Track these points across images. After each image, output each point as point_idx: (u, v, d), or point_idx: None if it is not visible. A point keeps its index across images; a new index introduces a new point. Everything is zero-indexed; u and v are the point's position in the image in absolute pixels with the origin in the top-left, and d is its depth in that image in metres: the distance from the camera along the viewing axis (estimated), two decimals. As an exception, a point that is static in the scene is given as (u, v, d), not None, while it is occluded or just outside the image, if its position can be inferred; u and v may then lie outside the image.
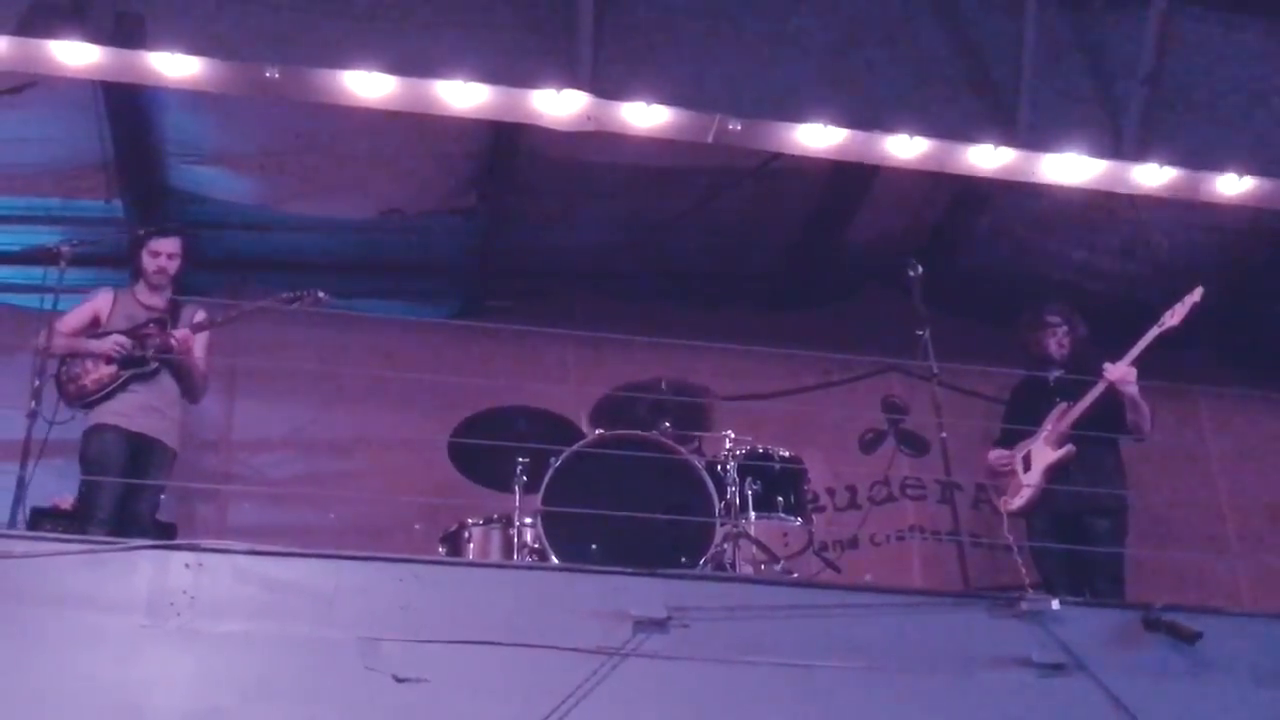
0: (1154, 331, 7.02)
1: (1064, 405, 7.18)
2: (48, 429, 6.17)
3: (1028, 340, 7.48)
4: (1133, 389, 7.04)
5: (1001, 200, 8.66)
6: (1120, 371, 7.00)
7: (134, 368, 6.69)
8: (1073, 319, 7.42)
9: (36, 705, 4.84)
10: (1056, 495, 7.04)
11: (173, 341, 6.75)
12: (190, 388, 6.92)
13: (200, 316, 7.01)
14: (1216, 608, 6.72)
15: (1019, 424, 7.39)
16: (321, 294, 6.88)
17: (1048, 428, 7.18)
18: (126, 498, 6.49)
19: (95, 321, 6.80)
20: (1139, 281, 8.80)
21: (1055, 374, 7.34)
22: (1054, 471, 7.08)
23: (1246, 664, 5.88)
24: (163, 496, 6.94)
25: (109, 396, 6.63)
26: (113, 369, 6.66)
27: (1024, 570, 6.39)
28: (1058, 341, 7.37)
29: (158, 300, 6.92)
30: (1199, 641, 5.78)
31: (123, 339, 6.70)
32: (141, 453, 6.65)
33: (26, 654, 4.92)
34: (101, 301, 6.87)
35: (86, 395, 6.63)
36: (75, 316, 6.77)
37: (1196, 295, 6.99)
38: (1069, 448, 7.06)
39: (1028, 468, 7.24)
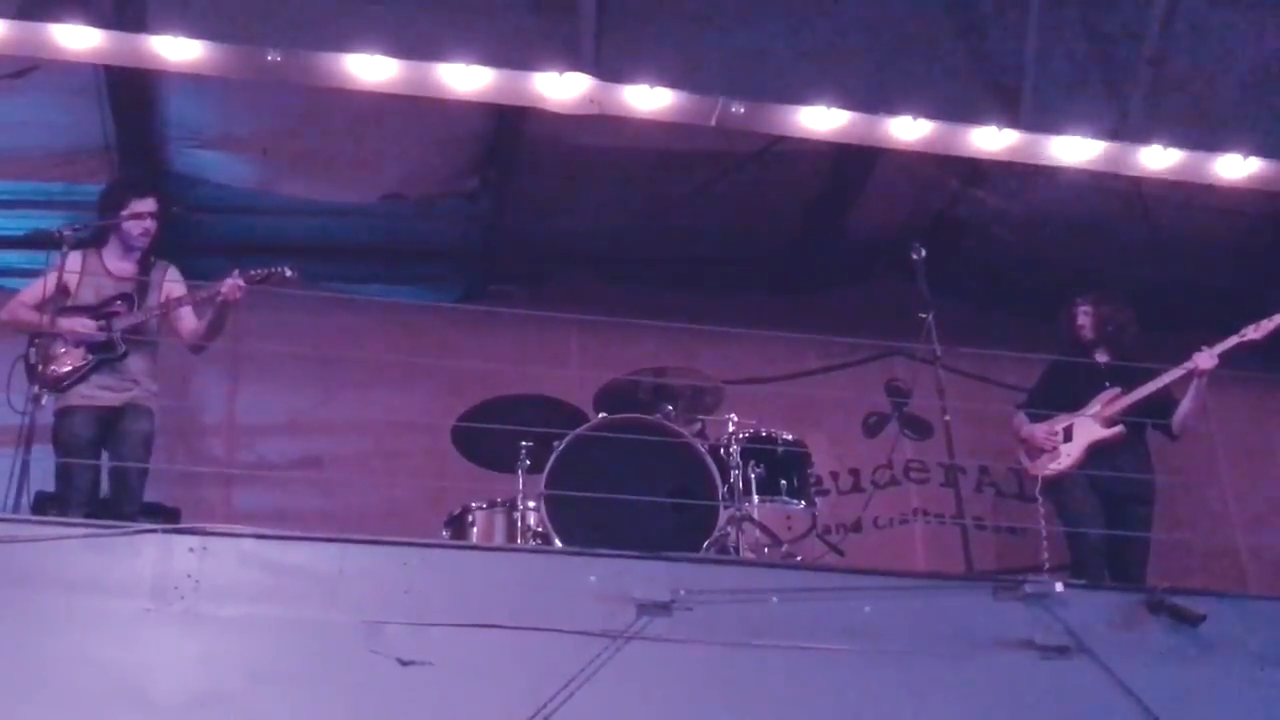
0: (1234, 340, 7.08)
1: (1115, 390, 7.21)
2: (29, 416, 6.01)
3: (1062, 325, 7.58)
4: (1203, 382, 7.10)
5: (1006, 184, 8.63)
6: (1209, 358, 7.04)
7: (102, 354, 6.53)
8: (1102, 303, 7.49)
9: (41, 689, 4.85)
10: (1106, 476, 7.08)
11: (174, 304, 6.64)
12: (192, 343, 6.82)
13: (172, 273, 6.82)
14: (1220, 590, 6.72)
15: (1055, 399, 7.42)
16: (289, 271, 6.75)
17: (1096, 407, 7.20)
18: (110, 473, 6.41)
19: (65, 293, 6.52)
20: (1145, 265, 8.77)
21: (1105, 358, 7.41)
22: (1095, 449, 7.11)
23: (1250, 647, 5.89)
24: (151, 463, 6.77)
25: (80, 380, 6.50)
26: (80, 352, 6.50)
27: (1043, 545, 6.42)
28: (1089, 323, 7.46)
29: (128, 266, 6.74)
30: (1203, 624, 5.79)
31: (89, 326, 6.52)
32: (113, 423, 6.51)
33: (31, 638, 4.93)
34: (68, 277, 6.55)
35: (59, 382, 6.45)
36: (40, 288, 6.53)
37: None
38: (1119, 429, 7.10)
39: (1068, 439, 7.26)
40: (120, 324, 6.58)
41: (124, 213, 6.73)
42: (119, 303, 6.66)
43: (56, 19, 6.28)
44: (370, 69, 6.56)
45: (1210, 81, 7.33)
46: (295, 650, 5.10)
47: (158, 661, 4.99)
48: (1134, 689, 5.56)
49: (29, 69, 7.08)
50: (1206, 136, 7.30)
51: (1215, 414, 9.18)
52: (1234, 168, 7.39)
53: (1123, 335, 7.46)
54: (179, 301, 6.75)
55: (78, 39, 6.36)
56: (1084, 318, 7.49)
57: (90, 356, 6.53)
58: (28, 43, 6.40)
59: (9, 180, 8.09)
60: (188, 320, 6.79)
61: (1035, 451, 7.38)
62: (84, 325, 6.54)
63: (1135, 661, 5.66)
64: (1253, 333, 7.05)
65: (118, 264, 6.78)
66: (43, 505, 6.39)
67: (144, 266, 6.82)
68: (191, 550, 5.21)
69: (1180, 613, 5.80)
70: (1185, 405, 7.16)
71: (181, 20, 6.34)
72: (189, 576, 5.14)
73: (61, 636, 4.96)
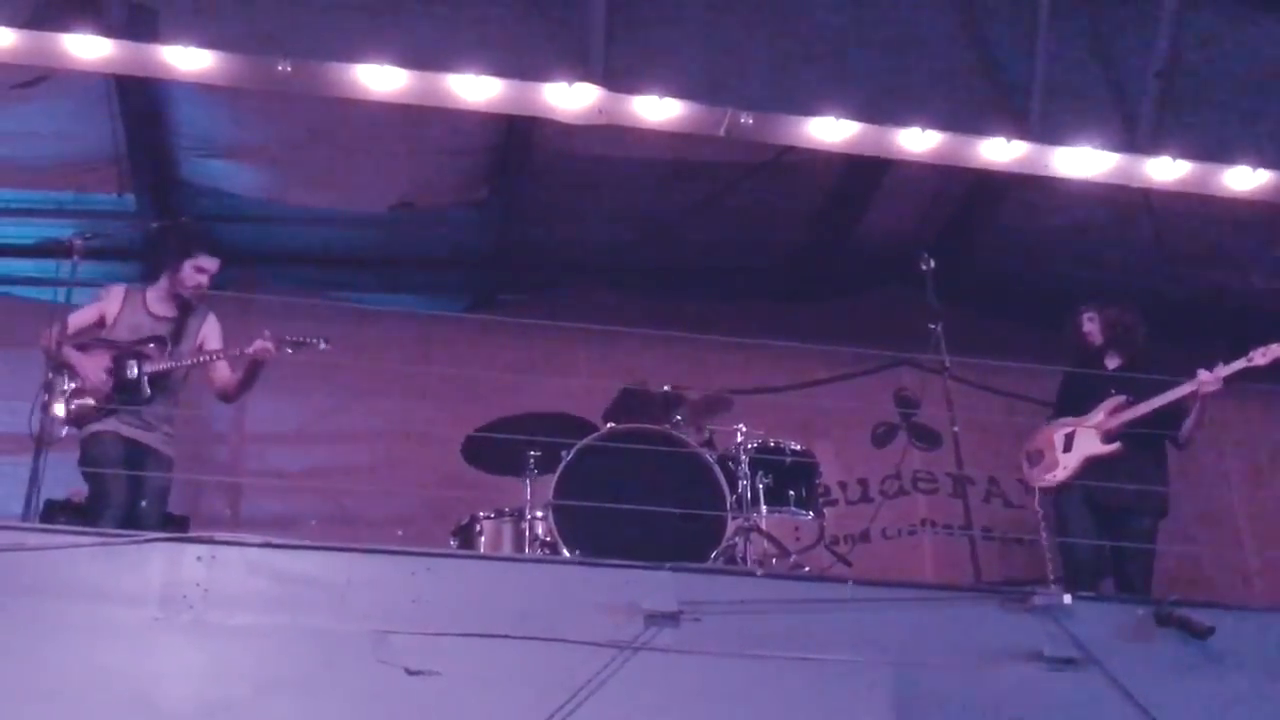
0: (1239, 364, 6.97)
1: (1120, 399, 7.17)
2: (36, 442, 6.07)
3: (1070, 335, 7.55)
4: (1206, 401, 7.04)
5: (1014, 194, 8.64)
6: (1213, 381, 6.97)
7: (128, 394, 6.54)
8: (1106, 308, 7.44)
9: (49, 697, 4.86)
10: (1099, 488, 7.03)
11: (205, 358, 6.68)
12: (221, 394, 6.90)
13: (211, 322, 6.87)
14: (1228, 603, 6.71)
15: (1070, 408, 7.39)
16: (324, 344, 6.68)
17: (1099, 415, 7.19)
18: (133, 503, 6.43)
19: (101, 323, 6.68)
20: (1154, 275, 8.77)
21: (1115, 364, 7.38)
22: (1093, 463, 7.09)
23: (1258, 659, 5.88)
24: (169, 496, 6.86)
25: (99, 418, 6.52)
26: (106, 391, 6.50)
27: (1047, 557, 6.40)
28: (1095, 329, 7.42)
29: (169, 310, 6.79)
30: (1211, 636, 5.77)
31: (100, 369, 6.53)
32: (137, 459, 6.54)
33: (40, 646, 4.94)
34: (110, 303, 6.72)
35: (78, 419, 6.47)
36: (82, 315, 6.65)
37: None
38: (1117, 445, 7.08)
39: (1068, 448, 7.24)
40: (149, 367, 6.60)
41: (189, 261, 6.75)
42: (152, 345, 6.67)
43: (68, 29, 6.31)
44: (380, 79, 6.58)
45: (1219, 93, 7.32)
46: (303, 659, 5.11)
47: (166, 670, 4.99)
48: (1142, 701, 5.54)
49: (40, 78, 7.10)
50: (1215, 148, 7.30)
51: (1225, 427, 9.20)
52: (1243, 179, 7.38)
53: (1131, 337, 7.42)
54: (212, 355, 6.77)
55: (89, 49, 6.38)
56: (1089, 324, 7.46)
57: (115, 396, 6.54)
58: (39, 52, 6.42)
59: (19, 189, 8.14)
60: (223, 371, 6.84)
61: (1037, 458, 7.36)
62: (96, 369, 6.53)
63: (1143, 674, 5.64)
64: (1260, 358, 6.98)
65: (160, 305, 6.80)
66: (53, 514, 6.40)
67: (184, 312, 6.82)
68: (200, 559, 5.21)
69: (1188, 625, 5.78)
70: (1189, 422, 7.13)
71: (192, 30, 6.36)
72: (197, 585, 5.14)
73: (70, 645, 4.96)
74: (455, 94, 6.71)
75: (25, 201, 8.19)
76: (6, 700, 4.82)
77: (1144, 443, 7.09)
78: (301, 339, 6.67)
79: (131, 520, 6.30)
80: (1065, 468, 7.18)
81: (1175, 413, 7.12)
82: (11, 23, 6.27)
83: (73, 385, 6.45)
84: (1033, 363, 7.77)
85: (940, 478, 8.92)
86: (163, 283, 6.81)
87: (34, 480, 5.64)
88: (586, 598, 5.41)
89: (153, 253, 6.98)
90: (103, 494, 6.37)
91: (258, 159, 8.16)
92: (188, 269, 6.75)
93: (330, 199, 8.47)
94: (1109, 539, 6.95)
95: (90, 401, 6.49)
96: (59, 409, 6.30)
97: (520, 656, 5.20)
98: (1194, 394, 7.00)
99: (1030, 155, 7.22)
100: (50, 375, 6.06)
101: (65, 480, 6.61)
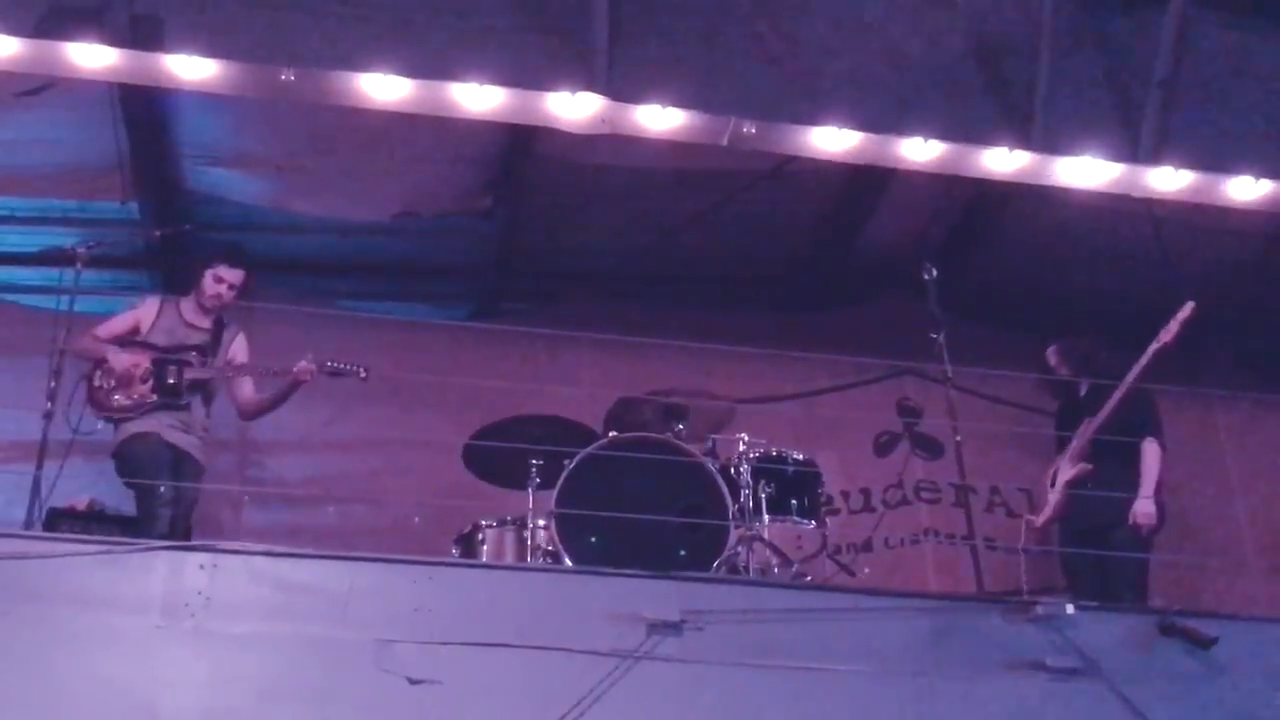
0: (1151, 349, 7.08)
1: (1087, 420, 7.30)
2: (72, 433, 6.20)
3: (1048, 371, 7.74)
4: (1150, 466, 7.14)
5: (1017, 204, 8.64)
6: (1149, 456, 7.13)
7: (169, 396, 6.63)
8: (1064, 340, 7.65)
9: (52, 704, 4.87)
10: (1074, 511, 7.22)
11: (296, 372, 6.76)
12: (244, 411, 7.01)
13: (240, 340, 6.97)
14: (1231, 613, 6.71)
15: (1062, 447, 7.56)
16: (364, 373, 6.84)
17: (1075, 443, 7.32)
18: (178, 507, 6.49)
19: (135, 330, 6.77)
20: (1157, 286, 8.76)
21: (1085, 390, 7.51)
22: (1072, 487, 7.23)
23: (1261, 669, 5.87)
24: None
25: (139, 417, 6.58)
26: (147, 389, 6.59)
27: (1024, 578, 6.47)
28: (1058, 361, 7.62)
29: (203, 320, 6.88)
30: (1214, 647, 5.77)
31: (140, 361, 6.63)
32: (177, 464, 6.61)
33: (42, 654, 4.94)
34: (145, 311, 6.83)
35: (117, 413, 6.56)
36: (116, 324, 6.76)
37: (1187, 310, 7.04)
38: (1083, 465, 7.21)
39: (1054, 484, 7.41)
40: (190, 374, 6.67)
41: (209, 271, 6.83)
42: (194, 354, 6.75)
43: (72, 38, 6.32)
44: (384, 88, 6.59)
45: (1221, 103, 7.33)
46: (305, 667, 5.11)
47: (168, 678, 4.99)
48: (1144, 711, 5.54)
49: (44, 87, 7.11)
50: (1218, 158, 7.30)
51: (1228, 435, 9.20)
52: (1245, 189, 7.38)
53: (1094, 362, 7.54)
54: (240, 369, 6.87)
55: (93, 57, 6.39)
56: (1054, 358, 7.64)
57: (154, 397, 6.59)
58: (43, 61, 6.44)
59: (23, 197, 8.13)
60: (246, 388, 6.93)
61: (1042, 505, 7.55)
62: (129, 363, 6.60)
63: (1146, 684, 5.64)
64: (1165, 336, 7.06)
65: (195, 315, 6.90)
66: (55, 522, 6.41)
67: (217, 325, 6.93)
68: (202, 567, 5.22)
69: (1191, 635, 5.78)
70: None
71: (196, 39, 6.37)
72: (199, 593, 5.15)
73: (72, 653, 4.96)
74: (459, 103, 6.71)
75: (29, 210, 8.20)
76: (9, 707, 4.83)
77: (1112, 457, 7.16)
78: (343, 366, 6.81)
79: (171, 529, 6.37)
80: (1051, 503, 7.36)
81: (1136, 420, 7.20)
82: (16, 31, 6.28)
83: (106, 384, 6.51)
84: (1035, 372, 7.78)
85: (943, 487, 8.91)
86: (192, 296, 6.91)
87: (36, 488, 5.65)
88: (589, 606, 5.41)
89: (180, 265, 7.05)
90: (153, 507, 6.36)
91: (261, 168, 8.17)
92: (208, 279, 6.83)
93: (333, 207, 8.47)
94: (1094, 560, 7.02)
95: (127, 399, 6.54)
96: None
97: (522, 665, 5.21)
98: (1140, 389, 7.10)
99: (1033, 165, 7.23)
100: (53, 384, 6.08)
101: (71, 489, 6.61)
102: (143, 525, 6.31)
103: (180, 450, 6.63)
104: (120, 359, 6.60)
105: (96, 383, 6.58)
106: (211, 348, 6.83)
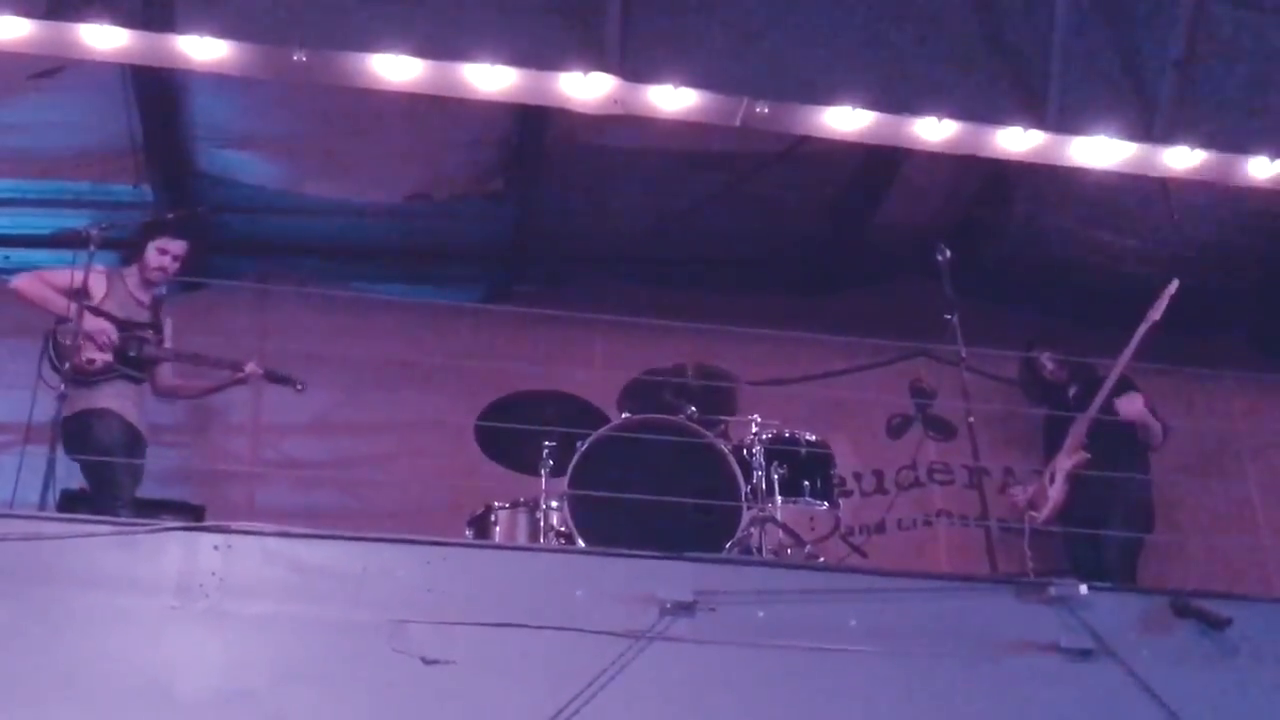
0: (1141, 329, 7.17)
1: (1080, 416, 7.47)
2: (58, 415, 6.11)
3: (1026, 377, 8.10)
4: (1136, 415, 7.50)
5: (1031, 185, 8.60)
6: (1130, 410, 7.44)
7: (130, 368, 6.74)
8: (1060, 345, 7.96)
9: (66, 686, 4.88)
10: (1076, 501, 7.41)
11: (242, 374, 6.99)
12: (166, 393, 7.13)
13: (169, 328, 7.05)
14: (1246, 594, 6.69)
15: (1052, 448, 7.72)
16: (300, 386, 7.13)
17: (1070, 437, 7.47)
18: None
19: (80, 292, 6.53)
20: (1171, 265, 8.73)
21: (1074, 391, 7.74)
22: (1073, 478, 7.37)
23: (1276, 650, 5.85)
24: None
25: (103, 381, 6.65)
26: (108, 357, 6.66)
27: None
28: (1056, 366, 7.92)
29: (145, 296, 6.93)
30: (1228, 627, 5.76)
31: (114, 332, 6.70)
32: (131, 441, 6.70)
33: (56, 635, 4.96)
34: (95, 279, 6.71)
35: (84, 373, 6.56)
36: (61, 276, 6.65)
37: (1173, 288, 7.13)
38: (1082, 454, 7.35)
39: (1053, 481, 7.54)
40: (148, 351, 6.75)
41: (153, 243, 6.84)
42: (150, 331, 6.84)
43: (84, 19, 6.30)
44: (395, 69, 6.57)
45: (1237, 82, 7.27)
46: (319, 648, 5.12)
47: (182, 659, 5.01)
48: (1158, 692, 5.53)
49: (56, 69, 7.11)
50: (1234, 138, 7.26)
51: (1242, 418, 9.17)
52: (1263, 169, 7.34)
53: (1087, 365, 7.77)
54: (194, 358, 7.03)
55: (105, 39, 6.37)
56: (1051, 363, 7.84)
57: (116, 366, 6.64)
58: (55, 43, 6.42)
59: (36, 179, 8.13)
60: (166, 371, 7.05)
61: (1041, 503, 7.63)
62: (103, 329, 6.66)
63: (1160, 665, 5.63)
64: (1153, 315, 7.15)
65: (138, 290, 6.95)
66: (69, 503, 6.42)
67: (155, 304, 6.99)
68: (216, 548, 5.23)
69: (1205, 616, 5.77)
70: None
71: (208, 20, 6.35)
72: (214, 574, 5.16)
73: (86, 634, 4.98)
74: (470, 84, 6.69)
75: (42, 192, 8.20)
76: (24, 689, 4.85)
77: (1109, 448, 7.29)
78: (284, 375, 7.08)
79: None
80: (1053, 499, 7.51)
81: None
82: (29, 13, 6.27)
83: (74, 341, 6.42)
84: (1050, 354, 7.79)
85: (956, 469, 8.89)
86: (134, 269, 6.94)
87: (51, 469, 5.66)
88: (602, 587, 5.41)
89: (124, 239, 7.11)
90: (117, 481, 6.40)
91: (273, 149, 8.16)
92: (151, 251, 6.86)
93: (345, 190, 8.46)
94: (1096, 550, 7.16)
95: (98, 361, 6.60)
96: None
97: (536, 646, 5.21)
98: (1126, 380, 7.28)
99: (1047, 145, 7.17)
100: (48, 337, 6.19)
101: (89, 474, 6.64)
102: (103, 500, 6.36)
103: (134, 429, 6.70)
104: (94, 321, 6.60)
105: (64, 338, 6.50)
106: (156, 327, 6.91)
